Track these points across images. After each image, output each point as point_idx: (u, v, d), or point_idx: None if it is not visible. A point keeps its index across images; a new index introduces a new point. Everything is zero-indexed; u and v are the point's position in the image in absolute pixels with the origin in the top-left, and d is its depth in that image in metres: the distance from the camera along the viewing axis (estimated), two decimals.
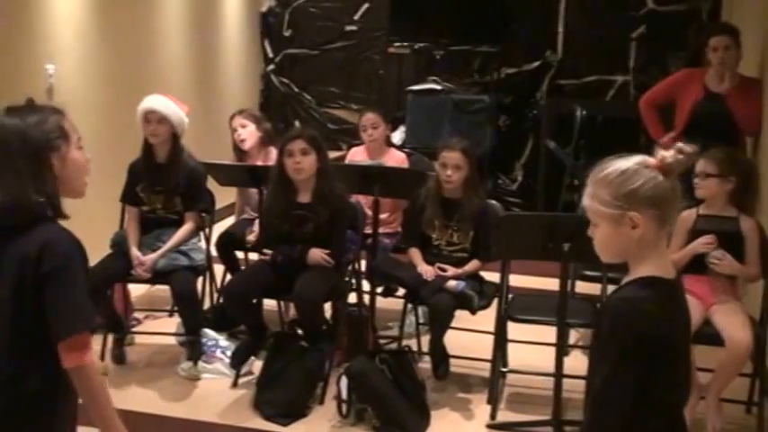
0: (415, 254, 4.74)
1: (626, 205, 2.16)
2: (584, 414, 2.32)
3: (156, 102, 4.83)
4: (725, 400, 4.12)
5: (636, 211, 2.15)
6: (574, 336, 5.25)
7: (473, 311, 4.51)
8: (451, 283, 4.48)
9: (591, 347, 2.27)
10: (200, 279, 5.01)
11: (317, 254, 4.61)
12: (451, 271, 4.58)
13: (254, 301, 4.77)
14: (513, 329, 4.63)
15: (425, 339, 4.87)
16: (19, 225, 2.29)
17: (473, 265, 4.66)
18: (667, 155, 2.17)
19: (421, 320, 5.21)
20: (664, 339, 2.14)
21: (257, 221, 5.29)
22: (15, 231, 2.29)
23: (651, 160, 2.18)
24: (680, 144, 2.18)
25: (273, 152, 5.55)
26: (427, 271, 4.56)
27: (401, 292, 4.95)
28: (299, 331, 4.72)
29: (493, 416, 4.38)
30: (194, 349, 4.85)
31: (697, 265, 4.17)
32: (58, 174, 2.36)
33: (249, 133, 5.53)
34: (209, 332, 4.94)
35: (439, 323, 4.51)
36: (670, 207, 2.18)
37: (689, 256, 4.12)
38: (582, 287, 5.09)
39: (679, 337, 2.23)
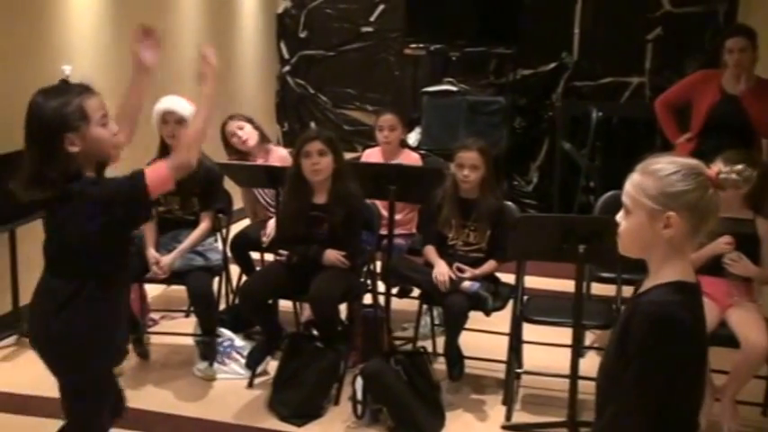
0: (431, 252, 4.73)
1: (669, 204, 2.15)
2: (596, 414, 2.31)
3: (174, 103, 4.84)
4: (740, 402, 4.11)
5: (675, 212, 2.15)
6: (589, 337, 5.25)
7: (487, 313, 4.51)
8: (466, 284, 4.48)
9: (611, 347, 2.26)
10: (216, 279, 5.03)
11: (332, 255, 4.62)
12: (469, 272, 4.58)
13: (270, 301, 4.78)
14: (529, 331, 4.64)
15: (440, 340, 4.87)
16: (55, 198, 2.74)
17: (490, 265, 4.66)
18: (724, 170, 2.18)
19: (436, 321, 5.21)
20: (694, 344, 2.15)
21: (270, 222, 5.30)
22: (59, 201, 2.75)
23: (706, 170, 2.19)
24: (740, 167, 2.19)
25: (274, 149, 5.58)
26: (442, 276, 4.53)
27: (416, 293, 4.96)
28: (315, 332, 4.73)
29: (508, 417, 4.39)
30: (210, 349, 4.87)
31: (712, 266, 4.16)
32: (80, 149, 2.74)
33: (249, 133, 5.53)
34: (225, 332, 4.95)
35: (454, 324, 4.51)
36: (707, 220, 2.18)
37: (707, 256, 4.11)
38: (597, 289, 5.07)
39: (702, 340, 2.23)
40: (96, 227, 2.76)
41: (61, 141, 2.71)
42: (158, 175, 2.85)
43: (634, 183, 2.22)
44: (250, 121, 5.61)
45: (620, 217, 2.28)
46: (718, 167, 2.19)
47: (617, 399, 2.20)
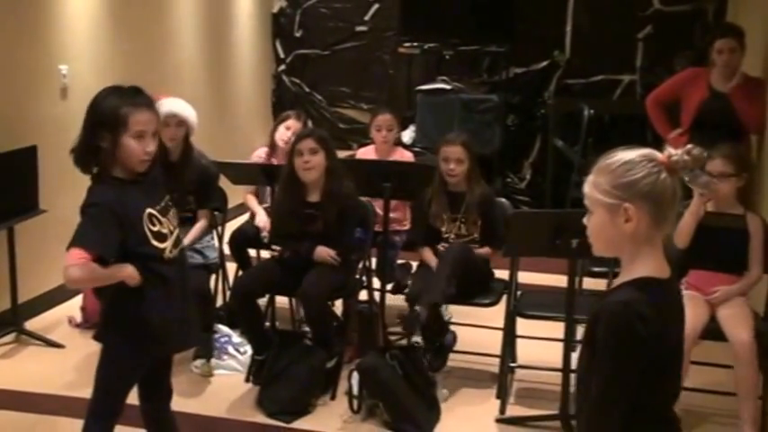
0: (430, 259, 4.80)
1: (623, 195, 2.10)
2: (576, 414, 2.33)
3: (175, 105, 4.79)
4: (729, 393, 4.18)
5: (631, 203, 2.09)
6: (581, 331, 5.24)
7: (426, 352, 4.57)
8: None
9: (583, 347, 2.24)
10: (212, 277, 5.07)
11: (323, 251, 4.63)
12: None
13: (259, 300, 4.80)
14: (522, 325, 4.68)
15: None
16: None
17: (485, 250, 4.80)
18: (675, 153, 2.11)
19: None
20: (660, 341, 2.09)
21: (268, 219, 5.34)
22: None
23: (658, 155, 2.12)
24: (690, 146, 2.13)
25: None
26: None
27: None
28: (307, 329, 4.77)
29: (502, 410, 4.43)
30: (207, 346, 4.89)
31: (704, 260, 4.24)
32: (109, 149, 2.94)
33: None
34: (222, 328, 4.99)
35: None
36: (667, 206, 2.12)
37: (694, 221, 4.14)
38: (589, 283, 5.12)
39: (673, 337, 2.18)
40: None
41: (98, 133, 2.95)
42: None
43: (589, 182, 2.18)
44: (304, 122, 5.67)
45: (586, 219, 2.22)
46: (668, 151, 2.12)
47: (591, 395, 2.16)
